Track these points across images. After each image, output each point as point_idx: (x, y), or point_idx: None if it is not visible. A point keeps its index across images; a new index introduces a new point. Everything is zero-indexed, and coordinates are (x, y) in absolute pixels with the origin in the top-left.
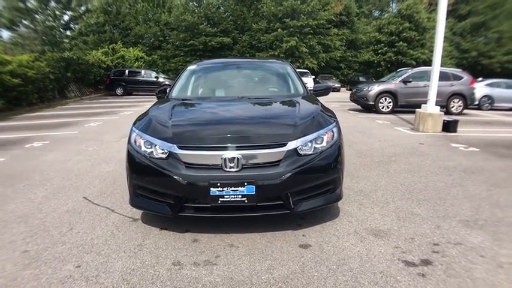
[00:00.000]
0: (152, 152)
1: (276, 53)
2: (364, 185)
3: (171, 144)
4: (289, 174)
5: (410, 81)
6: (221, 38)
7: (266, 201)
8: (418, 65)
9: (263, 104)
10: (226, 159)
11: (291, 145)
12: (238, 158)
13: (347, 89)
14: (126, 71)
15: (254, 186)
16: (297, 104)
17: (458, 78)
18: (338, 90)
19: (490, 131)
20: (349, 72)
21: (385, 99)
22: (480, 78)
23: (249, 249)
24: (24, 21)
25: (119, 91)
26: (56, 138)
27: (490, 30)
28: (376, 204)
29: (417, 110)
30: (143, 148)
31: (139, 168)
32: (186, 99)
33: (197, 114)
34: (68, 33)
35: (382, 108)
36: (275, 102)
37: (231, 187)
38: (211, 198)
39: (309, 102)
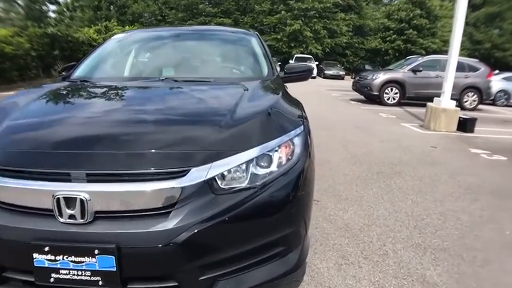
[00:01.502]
0: None
1: (279, 37)
2: (354, 214)
3: None
4: (190, 233)
5: (420, 71)
6: (221, 19)
7: (145, 283)
8: (428, 55)
9: (189, 91)
10: (61, 200)
11: (197, 174)
12: (83, 200)
13: (351, 77)
14: None
15: (114, 257)
16: (242, 94)
17: (474, 69)
18: (342, 78)
19: (511, 132)
20: (355, 59)
21: (392, 89)
22: (496, 71)
23: None
24: None
25: None
26: None
27: (505, 21)
28: (367, 257)
29: (429, 104)
30: None
31: None
32: (85, 81)
33: (59, 110)
34: (54, 7)
35: (388, 99)
36: (212, 88)
37: (69, 255)
38: (38, 272)
39: (264, 90)
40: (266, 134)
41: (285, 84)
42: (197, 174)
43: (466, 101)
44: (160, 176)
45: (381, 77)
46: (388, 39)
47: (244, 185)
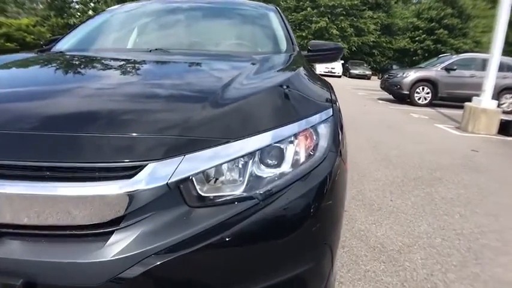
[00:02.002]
0: None
1: (304, 34)
2: (390, 230)
3: None
4: (142, 268)
5: (454, 69)
6: None
7: None
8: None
9: (177, 64)
10: None
11: (157, 173)
12: None
13: (378, 78)
14: None
15: None
16: (247, 67)
17: None
18: (368, 78)
19: None
20: (382, 59)
21: (423, 88)
22: None
23: None
24: None
25: None
26: None
27: None
28: None
29: (467, 103)
30: None
31: None
32: (61, 52)
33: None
34: None
35: (419, 99)
36: (208, 60)
37: None
38: None
39: (279, 64)
40: (276, 118)
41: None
42: (158, 173)
43: (503, 103)
44: (94, 173)
45: (411, 75)
46: (417, 39)
47: (237, 192)
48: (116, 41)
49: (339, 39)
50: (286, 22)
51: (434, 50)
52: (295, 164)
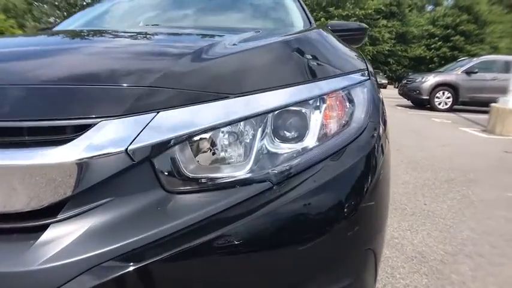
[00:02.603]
0: None
1: None
2: (428, 237)
3: None
4: (92, 282)
5: (475, 72)
6: None
7: None
8: None
9: (167, 34)
10: None
11: (111, 132)
12: None
13: (395, 87)
14: None
15: None
16: (249, 33)
17: None
18: (384, 87)
19: None
20: (398, 68)
21: (443, 93)
22: None
23: None
24: None
25: None
26: None
27: None
28: None
29: (493, 104)
30: None
31: None
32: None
33: None
34: None
35: (439, 104)
36: (202, 32)
37: None
38: None
39: (291, 32)
40: (294, 73)
41: None
42: (113, 136)
43: None
44: (23, 135)
45: (431, 79)
46: (433, 46)
47: (240, 173)
48: (116, 22)
49: None
50: (304, 7)
51: (451, 57)
52: (322, 136)
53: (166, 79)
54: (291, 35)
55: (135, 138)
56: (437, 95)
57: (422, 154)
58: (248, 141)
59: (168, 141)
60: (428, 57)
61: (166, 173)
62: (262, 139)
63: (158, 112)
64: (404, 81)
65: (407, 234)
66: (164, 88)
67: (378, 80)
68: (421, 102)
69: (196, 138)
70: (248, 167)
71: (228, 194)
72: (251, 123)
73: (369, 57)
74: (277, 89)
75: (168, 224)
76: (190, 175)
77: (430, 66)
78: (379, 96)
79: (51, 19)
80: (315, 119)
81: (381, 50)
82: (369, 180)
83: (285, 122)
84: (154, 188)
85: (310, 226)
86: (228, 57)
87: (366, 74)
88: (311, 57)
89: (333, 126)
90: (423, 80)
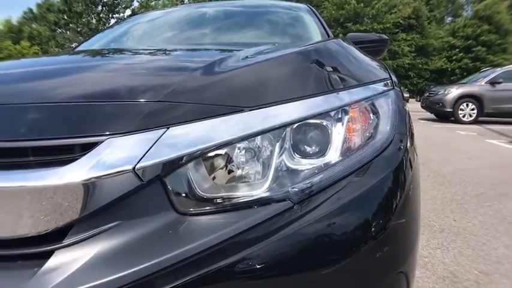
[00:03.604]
0: None
1: None
2: (460, 256)
3: None
4: None
5: (500, 82)
6: None
7: None
8: None
9: (181, 54)
10: None
11: (118, 150)
12: None
13: (416, 100)
14: None
15: None
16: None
17: None
18: (406, 101)
19: None
20: (419, 81)
21: (467, 105)
22: None
23: None
24: (70, 24)
25: None
26: None
27: None
28: None
29: None
30: None
31: None
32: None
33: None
34: None
35: (463, 116)
36: (226, 46)
37: None
38: None
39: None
40: (313, 82)
41: None
42: (120, 154)
43: None
44: (28, 156)
45: (454, 91)
46: (454, 58)
47: (258, 192)
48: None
49: None
50: (323, 22)
51: (473, 68)
52: (346, 151)
53: (177, 93)
54: (309, 45)
55: (144, 155)
56: (461, 107)
57: (449, 168)
58: (266, 157)
59: (179, 158)
60: (449, 69)
61: (178, 193)
62: (281, 155)
63: (168, 128)
64: (426, 94)
65: (437, 253)
66: (175, 102)
67: None
68: (445, 115)
69: (211, 154)
70: (266, 185)
71: (245, 214)
72: (269, 137)
73: None
74: (296, 101)
75: (181, 249)
76: (205, 195)
77: (452, 78)
78: (404, 107)
79: (74, 45)
80: (337, 132)
81: (401, 63)
82: (398, 196)
83: (305, 135)
84: (166, 209)
85: (335, 248)
86: (243, 69)
87: (390, 83)
88: (330, 67)
89: (356, 140)
90: (446, 92)
